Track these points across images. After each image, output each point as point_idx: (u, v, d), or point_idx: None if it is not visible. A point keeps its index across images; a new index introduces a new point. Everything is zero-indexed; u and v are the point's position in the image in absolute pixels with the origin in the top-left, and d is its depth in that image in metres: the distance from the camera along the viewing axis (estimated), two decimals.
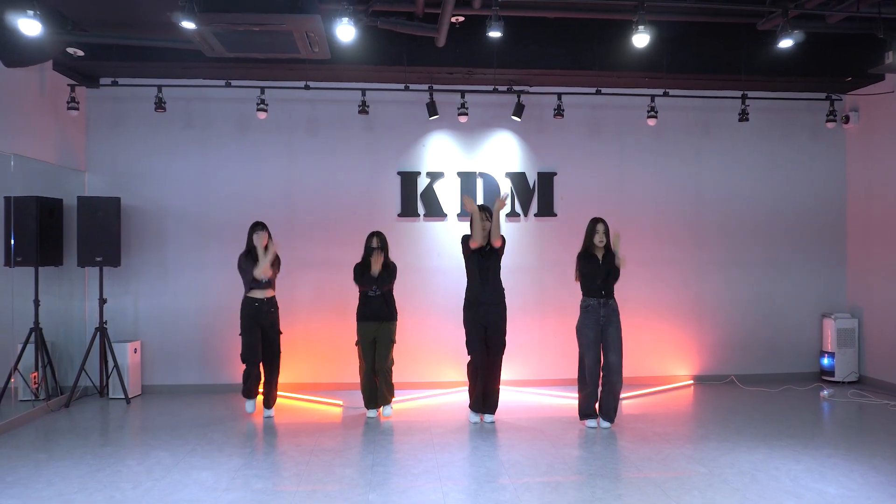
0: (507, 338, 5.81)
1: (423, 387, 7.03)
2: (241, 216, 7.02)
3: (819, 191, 7.70)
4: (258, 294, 5.93)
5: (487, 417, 5.84)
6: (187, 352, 7.06)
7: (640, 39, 4.99)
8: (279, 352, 6.11)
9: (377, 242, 5.94)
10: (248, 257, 5.93)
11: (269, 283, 5.99)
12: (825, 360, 7.54)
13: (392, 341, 5.97)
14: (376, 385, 6.00)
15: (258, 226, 5.97)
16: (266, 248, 5.90)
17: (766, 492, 4.20)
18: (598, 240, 5.56)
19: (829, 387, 7.16)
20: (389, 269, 5.96)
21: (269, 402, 6.10)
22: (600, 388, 5.60)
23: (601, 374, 5.56)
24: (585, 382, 5.61)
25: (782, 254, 7.66)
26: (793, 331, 7.67)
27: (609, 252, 5.59)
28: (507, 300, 5.84)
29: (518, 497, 4.14)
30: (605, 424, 5.59)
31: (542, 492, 4.24)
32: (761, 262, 7.63)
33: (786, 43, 5.22)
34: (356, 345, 5.98)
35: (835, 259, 7.73)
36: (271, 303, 6.00)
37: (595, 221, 5.62)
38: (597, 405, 5.64)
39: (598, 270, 5.55)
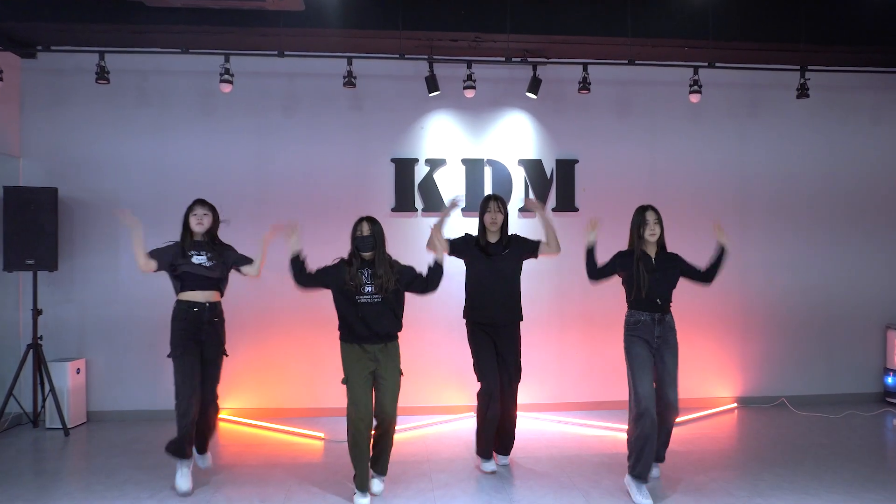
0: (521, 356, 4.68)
1: (420, 412, 5.93)
2: None
3: (883, 185, 6.61)
4: (198, 296, 4.20)
5: (502, 459, 4.74)
6: (141, 372, 5.94)
7: None
8: (218, 379, 4.32)
9: (369, 229, 4.07)
10: (178, 243, 4.26)
11: (215, 282, 4.27)
12: (890, 379, 6.46)
13: (400, 371, 4.13)
14: (375, 446, 4.12)
15: (195, 204, 4.32)
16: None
17: None
18: (650, 233, 4.14)
19: None
20: (394, 266, 4.15)
21: (202, 447, 4.46)
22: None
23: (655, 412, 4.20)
24: (641, 418, 3.99)
25: (840, 256, 6.57)
26: (852, 344, 6.59)
27: (663, 250, 4.24)
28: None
29: None
30: (655, 473, 4.42)
31: None
32: (816, 266, 6.54)
33: None
34: (343, 383, 4.06)
35: None
36: (214, 311, 4.28)
37: (644, 210, 4.20)
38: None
39: (650, 276, 4.11)
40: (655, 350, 4.15)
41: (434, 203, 6.16)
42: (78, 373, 5.76)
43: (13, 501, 4.07)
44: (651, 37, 5.67)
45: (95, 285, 5.93)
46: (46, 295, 5.79)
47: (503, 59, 5.82)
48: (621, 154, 6.35)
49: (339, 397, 6.03)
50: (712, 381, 6.42)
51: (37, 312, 5.54)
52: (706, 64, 5.79)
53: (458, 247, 4.62)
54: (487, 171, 6.24)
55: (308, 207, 6.06)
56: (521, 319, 4.61)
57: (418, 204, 6.18)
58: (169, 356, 4.17)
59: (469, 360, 4.59)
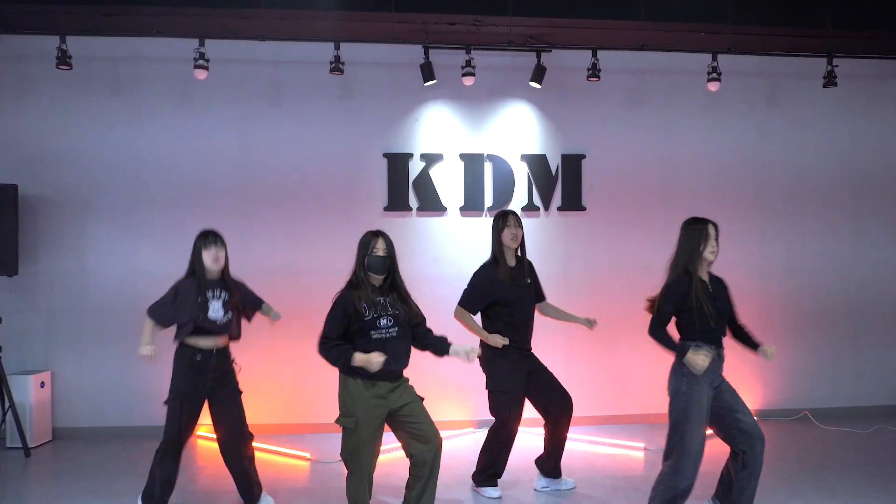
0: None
1: None
2: (182, 211, 5.50)
3: None
4: (204, 342, 3.70)
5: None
6: (113, 386, 5.48)
7: None
8: (240, 416, 3.82)
9: (385, 249, 3.42)
10: (193, 284, 3.71)
11: (226, 327, 3.78)
12: None
13: (422, 399, 3.51)
14: (415, 484, 3.42)
15: (209, 237, 3.74)
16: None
17: None
18: (711, 251, 3.43)
19: None
20: (408, 297, 3.52)
21: (252, 498, 3.92)
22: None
23: (737, 454, 3.51)
24: (681, 478, 3.38)
25: (867, 254, 6.14)
26: (883, 351, 6.16)
27: (711, 274, 3.55)
28: None
29: None
30: None
31: None
32: (840, 268, 6.11)
33: None
34: (338, 423, 3.37)
35: None
36: (223, 355, 3.79)
37: (704, 223, 3.44)
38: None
39: (714, 303, 3.41)
40: (716, 390, 3.43)
41: (430, 202, 5.72)
42: (42, 386, 5.29)
43: None
44: (664, 21, 5.24)
45: (62, 291, 5.46)
46: (7, 302, 5.32)
47: (505, 44, 5.37)
48: (632, 148, 5.91)
49: (324, 413, 5.60)
50: None
51: None
52: (725, 50, 5.35)
53: (483, 293, 4.05)
54: (488, 167, 5.79)
55: (294, 206, 5.63)
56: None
57: (413, 202, 5.73)
58: (165, 403, 3.70)
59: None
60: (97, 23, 5.25)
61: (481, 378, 4.15)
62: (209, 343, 3.68)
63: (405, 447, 3.41)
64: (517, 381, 4.00)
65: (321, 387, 5.65)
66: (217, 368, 3.71)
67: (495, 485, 4.15)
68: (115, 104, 5.53)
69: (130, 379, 5.47)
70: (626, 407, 5.82)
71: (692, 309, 3.36)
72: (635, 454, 5.11)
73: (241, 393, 3.84)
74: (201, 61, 4.91)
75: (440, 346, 3.51)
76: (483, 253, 5.75)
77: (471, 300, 4.04)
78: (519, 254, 4.15)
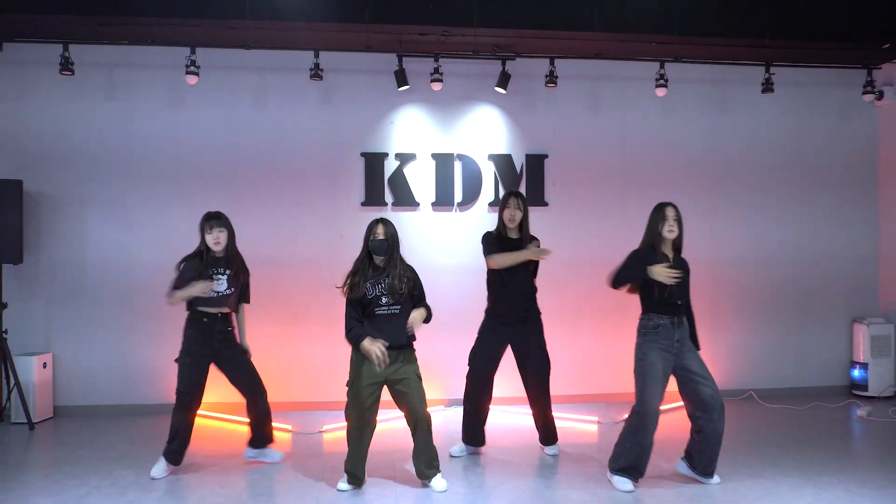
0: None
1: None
2: (172, 205, 5.95)
3: (849, 179, 6.70)
4: (209, 309, 4.25)
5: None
6: (109, 367, 5.91)
7: None
8: (251, 372, 4.39)
9: (384, 232, 3.99)
10: (198, 262, 4.23)
11: (225, 299, 4.31)
12: (856, 372, 6.54)
13: (420, 378, 4.02)
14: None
15: (211, 221, 4.25)
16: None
17: None
18: (668, 230, 3.91)
19: (862, 403, 6.17)
20: (406, 271, 4.04)
21: (261, 440, 4.54)
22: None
23: (697, 417, 3.99)
24: (643, 432, 3.89)
25: (807, 251, 6.65)
26: (819, 339, 6.67)
27: (678, 253, 4.05)
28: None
29: None
30: (716, 480, 4.12)
31: None
32: (784, 260, 6.62)
33: None
34: (347, 386, 3.97)
35: (867, 258, 6.73)
36: (226, 320, 4.34)
37: (664, 206, 3.97)
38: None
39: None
40: (676, 356, 3.92)
41: (404, 197, 6.18)
42: (44, 367, 5.71)
43: None
44: (618, 31, 5.72)
45: (62, 279, 5.89)
46: (12, 289, 5.74)
47: (471, 53, 5.85)
48: (591, 148, 6.39)
49: (307, 392, 6.06)
50: None
51: (1, 305, 5.50)
52: (672, 59, 5.85)
53: (495, 241, 4.58)
54: (457, 166, 6.26)
55: (279, 201, 6.07)
56: (538, 316, 4.70)
57: (388, 198, 6.19)
58: (176, 361, 4.25)
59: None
60: (94, 32, 5.67)
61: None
62: (214, 310, 4.26)
63: (405, 417, 4.03)
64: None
65: (301, 369, 6.18)
66: (221, 331, 4.29)
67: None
68: (110, 108, 5.95)
69: (125, 361, 5.91)
70: (586, 387, 6.28)
71: (654, 281, 3.82)
72: (590, 427, 5.59)
73: (247, 352, 4.42)
74: (192, 68, 5.36)
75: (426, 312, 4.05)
76: (451, 245, 6.23)
77: (491, 246, 4.54)
78: (517, 235, 4.59)
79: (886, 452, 4.83)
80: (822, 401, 6.29)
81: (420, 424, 3.98)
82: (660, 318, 3.91)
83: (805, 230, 6.65)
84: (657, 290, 3.88)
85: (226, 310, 4.31)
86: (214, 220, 4.26)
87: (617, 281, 3.96)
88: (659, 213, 3.96)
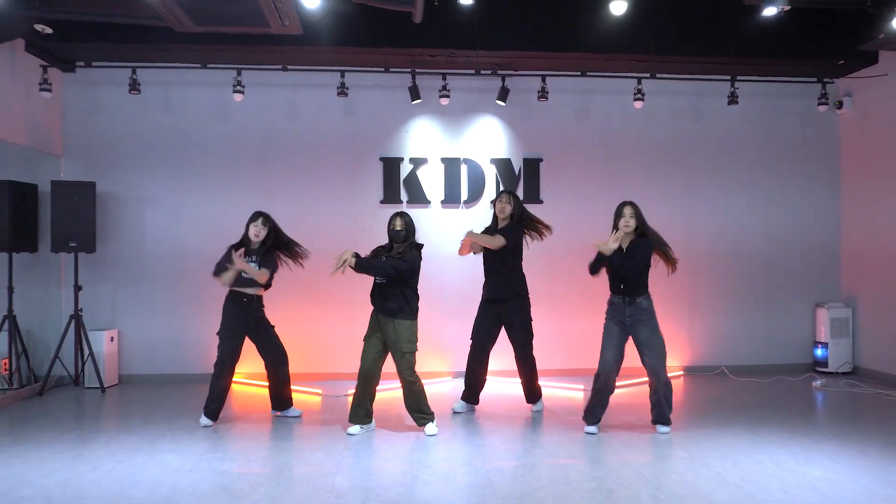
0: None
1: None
2: (218, 205, 6.94)
3: (811, 179, 7.54)
4: (247, 290, 5.18)
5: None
6: (165, 342, 6.92)
7: (618, 7, 4.84)
8: (277, 344, 5.36)
9: (401, 224, 4.95)
10: (235, 249, 5.17)
11: (256, 283, 5.20)
12: (819, 351, 7.36)
13: (404, 352, 4.88)
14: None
15: (255, 217, 5.20)
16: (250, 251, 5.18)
17: (747, 475, 4.04)
18: (624, 224, 4.81)
19: (820, 377, 6.99)
20: (406, 252, 4.90)
21: (282, 403, 5.48)
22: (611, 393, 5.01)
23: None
24: (596, 382, 4.96)
25: (776, 243, 7.49)
26: (786, 321, 7.50)
27: (642, 237, 4.90)
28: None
29: (489, 479, 3.99)
30: (665, 430, 5.00)
31: (514, 475, 4.09)
32: (755, 251, 7.47)
33: (769, 11, 5.05)
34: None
35: (829, 249, 7.56)
36: (259, 301, 5.27)
37: (622, 205, 4.89)
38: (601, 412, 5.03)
39: (619, 264, 4.79)
40: (630, 327, 4.83)
41: (417, 196, 7.12)
42: (112, 341, 6.73)
43: (63, 434, 5.03)
44: (601, 52, 6.60)
45: (126, 267, 6.90)
46: (86, 274, 6.76)
47: (474, 72, 6.78)
48: (580, 153, 7.29)
49: (334, 363, 6.97)
50: None
51: (78, 288, 6.51)
52: (648, 75, 6.74)
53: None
54: (464, 169, 7.19)
55: (309, 200, 7.03)
56: (517, 295, 5.51)
57: (403, 197, 7.13)
58: (218, 333, 5.21)
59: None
60: (153, 56, 6.68)
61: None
62: (251, 290, 5.20)
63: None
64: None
65: (328, 344, 7.08)
66: (256, 308, 5.25)
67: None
68: (167, 121, 6.96)
69: (178, 335, 6.91)
70: (576, 362, 7.14)
71: (608, 269, 4.90)
72: (576, 395, 6.48)
73: (273, 327, 5.38)
74: (238, 87, 6.35)
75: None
76: (458, 237, 7.10)
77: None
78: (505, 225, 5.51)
79: (825, 411, 5.69)
80: (787, 375, 7.12)
81: (405, 385, 4.96)
82: (615, 297, 4.93)
83: (774, 224, 7.49)
84: (610, 275, 4.91)
85: (260, 292, 5.26)
86: (258, 217, 5.24)
87: (591, 269, 4.98)
88: (618, 210, 4.92)
